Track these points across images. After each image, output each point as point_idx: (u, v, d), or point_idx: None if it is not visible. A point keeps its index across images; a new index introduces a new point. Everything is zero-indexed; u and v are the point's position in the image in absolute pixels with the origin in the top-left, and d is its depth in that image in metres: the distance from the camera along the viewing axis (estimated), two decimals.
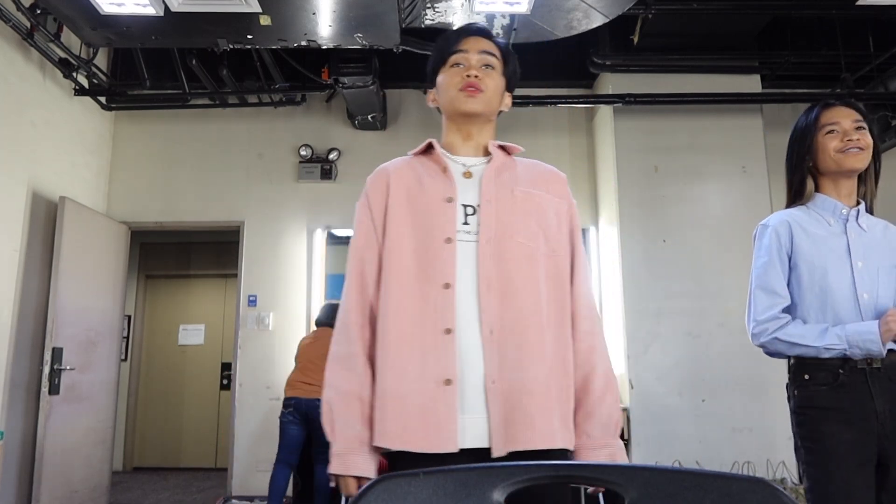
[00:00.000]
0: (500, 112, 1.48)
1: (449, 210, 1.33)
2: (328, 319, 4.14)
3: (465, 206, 1.34)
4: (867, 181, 1.80)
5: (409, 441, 1.22)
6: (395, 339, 1.28)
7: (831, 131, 1.76)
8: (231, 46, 4.11)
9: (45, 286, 4.33)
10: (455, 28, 1.47)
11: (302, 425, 3.91)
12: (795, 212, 1.80)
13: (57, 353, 4.24)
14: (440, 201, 1.34)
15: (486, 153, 1.42)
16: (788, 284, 1.74)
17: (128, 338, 6.89)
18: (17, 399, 4.15)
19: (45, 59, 4.38)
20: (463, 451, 1.22)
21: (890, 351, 1.62)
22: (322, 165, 5.20)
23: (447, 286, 1.28)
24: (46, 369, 4.17)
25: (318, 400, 3.67)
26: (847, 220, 1.75)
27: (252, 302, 5.05)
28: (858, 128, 1.74)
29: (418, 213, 1.34)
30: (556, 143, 5.33)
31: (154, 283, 7.28)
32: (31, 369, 4.27)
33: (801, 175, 1.81)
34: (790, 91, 4.99)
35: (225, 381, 6.95)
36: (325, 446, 4.15)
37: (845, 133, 1.74)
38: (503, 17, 3.91)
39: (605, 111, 4.98)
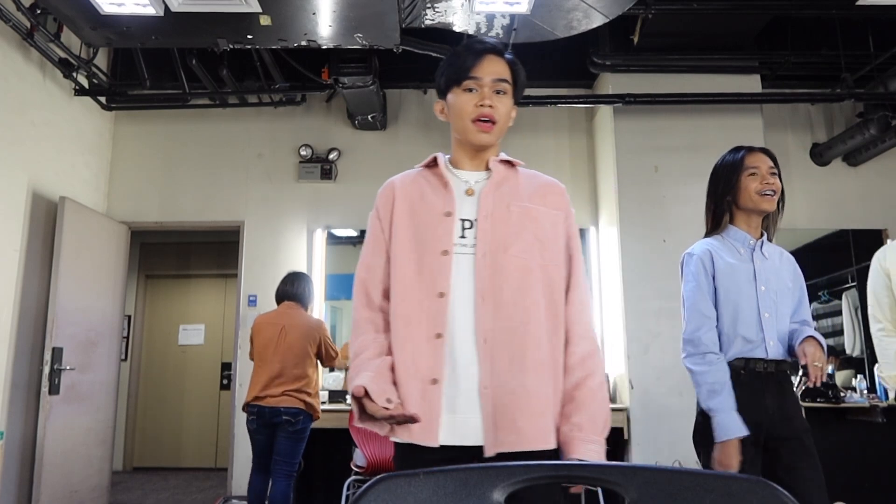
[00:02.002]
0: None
1: (447, 224, 1.41)
2: (295, 291, 3.84)
3: (463, 220, 1.42)
4: (772, 218, 2.14)
5: (396, 432, 1.34)
6: (395, 342, 1.40)
7: (753, 173, 2.06)
8: (231, 46, 4.11)
9: (45, 286, 4.33)
10: (467, 42, 1.50)
11: (266, 433, 3.67)
12: (714, 241, 2.12)
13: (57, 353, 4.24)
14: (439, 215, 1.42)
15: (489, 167, 1.49)
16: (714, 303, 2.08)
17: (128, 338, 6.89)
18: (17, 399, 4.15)
19: (45, 59, 4.38)
20: (456, 447, 1.32)
21: (781, 361, 1.99)
22: (322, 165, 5.20)
23: (441, 295, 1.37)
24: (46, 369, 4.17)
25: (284, 409, 3.59)
26: (753, 249, 2.08)
27: (252, 302, 5.05)
28: (773, 173, 2.06)
29: (419, 226, 1.43)
30: (556, 143, 5.33)
31: (154, 283, 7.28)
32: (31, 369, 4.27)
33: (722, 208, 2.12)
34: (790, 91, 4.99)
35: (225, 381, 6.95)
36: (285, 458, 4.15)
37: (763, 177, 2.04)
38: (503, 17, 3.91)
39: (605, 111, 4.98)
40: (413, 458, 1.34)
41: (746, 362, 1.98)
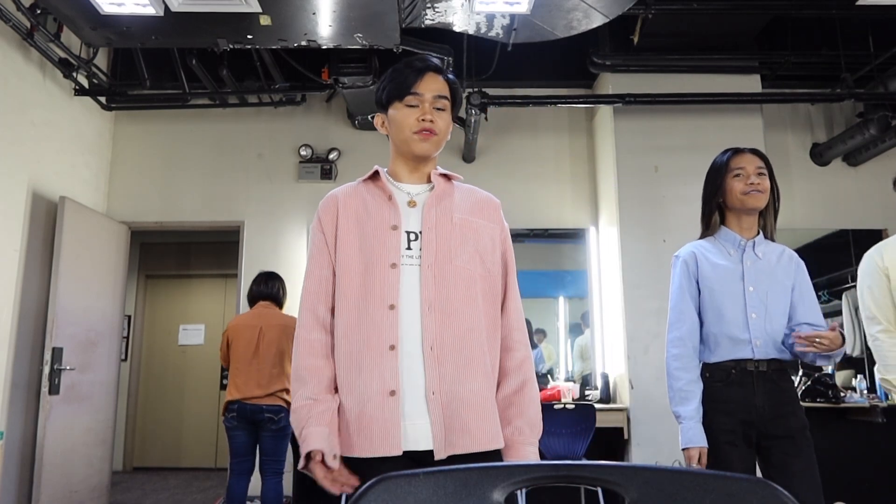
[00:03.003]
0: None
1: (394, 237, 1.45)
2: (269, 290, 3.87)
3: (408, 232, 1.46)
4: (766, 217, 2.15)
5: (356, 448, 1.37)
6: (345, 358, 1.42)
7: (738, 174, 2.09)
8: (231, 46, 4.11)
9: (45, 286, 4.33)
10: (408, 60, 1.55)
11: (247, 429, 3.65)
12: (704, 243, 2.16)
13: (57, 353, 4.24)
14: (386, 228, 1.46)
15: (429, 180, 1.54)
16: (699, 305, 2.11)
17: (128, 338, 6.89)
18: (17, 399, 4.15)
19: (45, 59, 4.38)
20: (406, 453, 1.36)
21: (773, 359, 2.00)
22: (322, 165, 5.20)
23: (392, 307, 1.41)
24: (46, 369, 4.17)
25: (266, 406, 3.58)
26: (744, 250, 2.10)
27: None
28: (760, 173, 2.08)
29: (365, 239, 1.46)
30: (556, 143, 5.33)
31: (154, 283, 7.28)
32: (31, 369, 4.27)
33: (711, 210, 2.17)
34: (790, 91, 4.99)
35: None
36: (272, 456, 4.12)
37: (748, 177, 2.07)
38: (503, 17, 3.91)
39: (605, 111, 4.98)
40: (370, 471, 1.34)
41: (737, 363, 2.01)
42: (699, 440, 1.95)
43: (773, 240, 2.16)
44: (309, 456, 1.35)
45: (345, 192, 1.54)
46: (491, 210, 1.55)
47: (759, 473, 2.03)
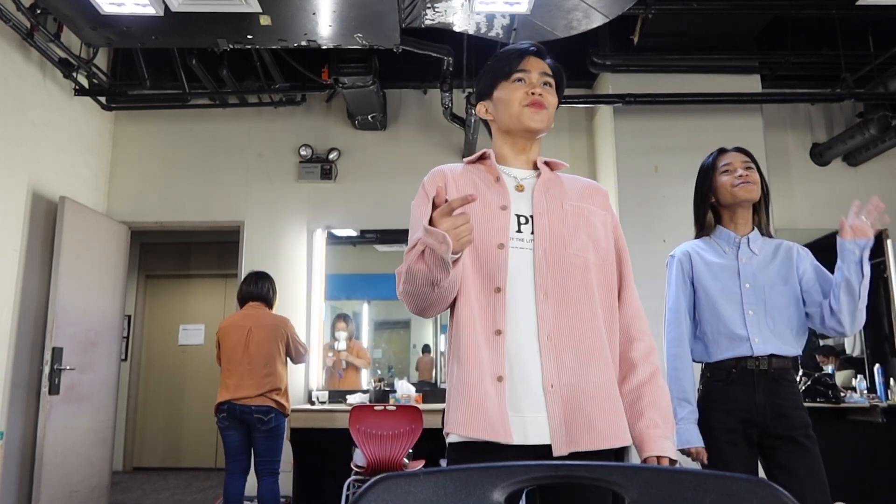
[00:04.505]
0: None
1: (503, 217, 1.38)
2: (259, 290, 3.85)
3: (518, 215, 1.40)
4: (760, 212, 2.15)
5: (475, 428, 1.28)
6: (460, 337, 1.34)
7: (725, 171, 2.12)
8: (231, 46, 4.11)
9: (45, 286, 4.33)
10: (508, 48, 1.52)
11: (239, 429, 3.65)
12: (699, 243, 2.17)
13: (57, 353, 4.24)
14: (495, 208, 1.39)
15: (535, 167, 1.49)
16: (694, 306, 2.11)
17: (128, 338, 6.89)
18: (17, 399, 4.15)
19: (45, 59, 4.38)
20: (523, 446, 1.28)
21: (773, 356, 1.98)
22: (322, 165, 5.20)
23: (498, 290, 1.34)
24: (46, 369, 4.17)
25: (255, 407, 3.58)
26: (739, 246, 2.10)
27: None
28: (747, 167, 2.10)
29: (474, 219, 1.31)
30: (556, 143, 5.33)
31: (154, 283, 7.28)
32: (31, 369, 4.27)
33: (704, 210, 2.17)
34: (790, 91, 4.99)
35: None
36: (266, 457, 4.11)
37: (736, 170, 2.10)
38: (503, 17, 3.91)
39: (605, 111, 4.98)
40: (480, 457, 1.28)
41: (737, 361, 1.99)
42: (696, 440, 1.94)
43: (769, 235, 2.15)
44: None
45: (453, 168, 1.48)
46: (600, 197, 1.51)
47: (761, 473, 2.02)
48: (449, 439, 1.34)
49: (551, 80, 1.49)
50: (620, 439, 1.31)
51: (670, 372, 2.05)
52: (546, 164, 1.50)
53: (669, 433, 1.36)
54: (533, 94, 1.44)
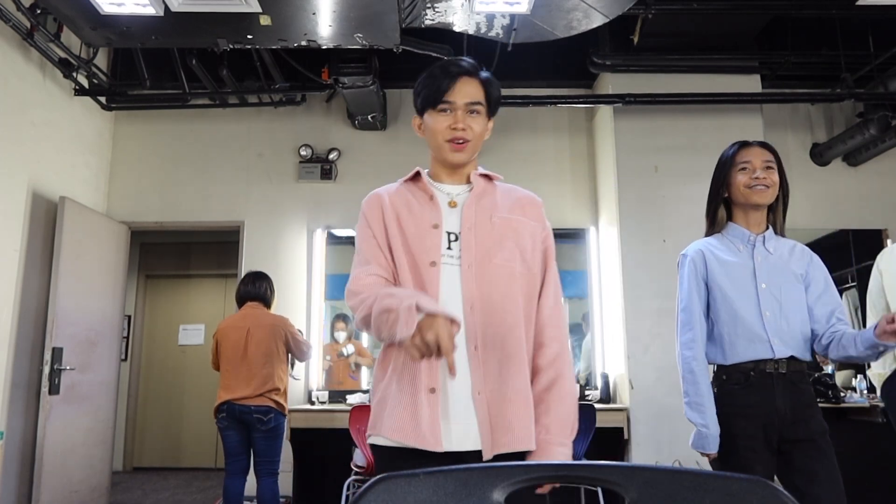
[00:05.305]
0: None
1: (435, 236, 1.45)
2: (257, 290, 3.85)
3: (448, 232, 1.47)
4: (776, 212, 2.07)
5: (409, 436, 1.36)
6: (393, 351, 1.43)
7: (743, 168, 2.02)
8: (231, 46, 4.11)
9: (45, 286, 4.33)
10: (442, 63, 1.53)
11: (238, 429, 3.64)
12: (711, 240, 2.08)
13: (57, 353, 4.24)
14: (427, 227, 1.46)
15: (469, 181, 1.54)
16: (708, 306, 2.02)
17: (128, 338, 6.89)
18: (17, 399, 4.15)
19: (45, 59, 4.38)
20: (449, 453, 1.35)
21: (792, 358, 1.92)
22: (322, 165, 5.20)
23: None
24: (46, 369, 4.17)
25: (255, 407, 3.59)
26: (754, 245, 2.02)
27: None
28: (767, 167, 2.00)
29: (407, 237, 1.46)
30: (556, 143, 5.33)
31: (154, 283, 7.28)
32: (31, 369, 4.27)
33: (717, 205, 2.09)
34: (790, 91, 4.99)
35: None
36: (265, 457, 4.10)
37: (754, 170, 2.00)
38: (503, 17, 3.91)
39: (605, 111, 4.98)
40: (409, 463, 1.35)
41: (756, 364, 1.92)
42: (713, 447, 1.90)
43: (783, 235, 2.08)
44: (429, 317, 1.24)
45: (388, 190, 1.55)
46: (532, 208, 1.55)
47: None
48: (373, 441, 1.42)
49: (479, 107, 1.49)
50: (531, 442, 1.39)
51: (685, 375, 1.97)
52: (483, 175, 1.54)
53: (562, 438, 1.41)
54: (455, 128, 1.46)
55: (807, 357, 1.95)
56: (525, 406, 1.40)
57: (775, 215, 2.07)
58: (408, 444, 1.35)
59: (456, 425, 1.37)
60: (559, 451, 1.40)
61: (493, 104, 1.53)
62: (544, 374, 1.45)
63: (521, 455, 1.38)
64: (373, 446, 1.44)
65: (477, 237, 1.45)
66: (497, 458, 1.35)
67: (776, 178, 2.01)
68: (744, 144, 2.07)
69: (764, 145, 2.05)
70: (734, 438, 1.90)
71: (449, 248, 1.45)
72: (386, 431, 1.38)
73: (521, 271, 1.46)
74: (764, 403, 1.89)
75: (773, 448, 1.90)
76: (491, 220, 1.48)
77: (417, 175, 1.55)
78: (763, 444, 1.88)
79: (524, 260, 1.47)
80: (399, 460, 1.37)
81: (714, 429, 1.91)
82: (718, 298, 1.99)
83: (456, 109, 1.47)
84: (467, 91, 1.48)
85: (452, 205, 1.50)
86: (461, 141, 1.47)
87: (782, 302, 1.95)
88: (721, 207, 2.09)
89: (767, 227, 2.05)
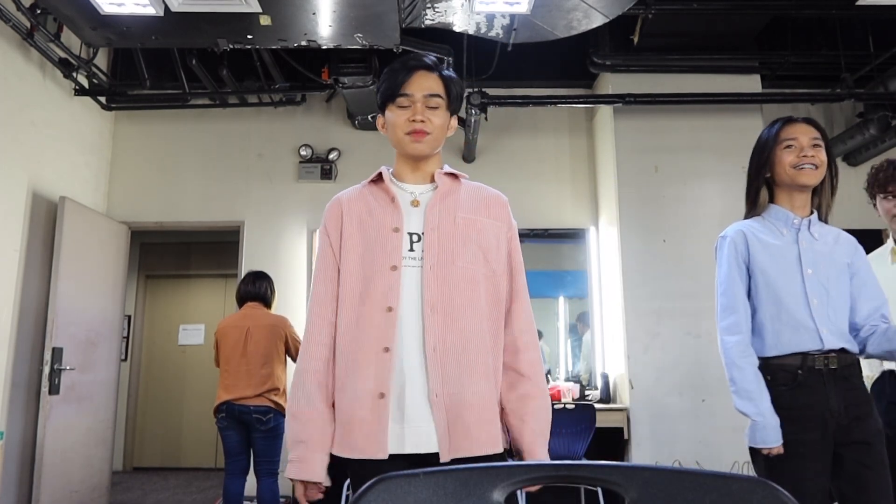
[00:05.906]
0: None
1: (395, 239, 1.44)
2: (257, 290, 3.86)
3: (410, 234, 1.46)
4: (822, 194, 1.91)
5: (346, 448, 1.39)
6: (342, 359, 1.43)
7: (789, 146, 1.86)
8: (231, 46, 4.11)
9: (45, 286, 4.33)
10: (401, 59, 1.54)
11: (238, 429, 3.66)
12: (751, 222, 1.92)
13: (57, 353, 4.24)
14: (388, 231, 1.45)
15: (433, 179, 1.53)
16: (749, 291, 1.86)
17: (128, 338, 6.89)
18: (17, 399, 4.15)
19: (45, 59, 4.38)
20: (403, 456, 1.36)
21: (842, 350, 1.76)
22: (322, 165, 5.20)
23: (389, 309, 1.40)
24: (46, 369, 4.17)
25: (254, 407, 3.58)
26: (799, 229, 1.86)
27: None
28: (815, 145, 1.85)
29: (368, 241, 1.46)
30: (556, 143, 5.33)
31: (154, 283, 7.28)
32: (31, 369, 4.27)
33: (758, 185, 1.93)
34: (790, 91, 4.99)
35: None
36: (265, 457, 4.13)
37: (802, 149, 1.85)
38: (503, 17, 3.91)
39: (605, 111, 4.98)
40: (363, 472, 1.37)
41: (803, 359, 1.75)
42: (774, 439, 1.71)
43: (826, 222, 1.92)
44: (302, 481, 1.44)
45: (349, 195, 1.55)
46: (497, 208, 1.53)
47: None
48: (336, 453, 1.46)
49: (438, 101, 1.48)
50: (494, 447, 1.40)
51: (729, 364, 1.80)
52: (448, 174, 1.53)
53: (544, 440, 1.45)
54: (413, 120, 1.46)
55: (856, 350, 1.80)
56: (487, 410, 1.40)
57: (821, 199, 1.91)
58: (354, 456, 1.38)
59: (413, 428, 1.36)
60: (545, 452, 1.45)
61: (453, 99, 1.52)
62: (527, 380, 1.47)
63: (481, 460, 1.37)
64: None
65: (440, 238, 1.44)
66: (455, 461, 1.35)
67: (824, 157, 1.86)
68: (789, 120, 1.91)
69: (810, 121, 1.91)
70: (786, 446, 1.72)
71: (411, 249, 1.44)
72: (335, 447, 1.42)
73: (486, 273, 1.46)
74: (816, 406, 1.72)
75: (830, 452, 1.72)
76: (454, 221, 1.46)
77: (380, 176, 1.54)
78: (817, 452, 1.71)
79: (487, 261, 1.47)
80: (362, 470, 1.38)
81: (772, 418, 1.72)
82: (761, 283, 1.83)
83: (415, 102, 1.47)
84: (425, 84, 1.48)
85: (415, 204, 1.49)
86: (420, 132, 1.46)
87: (830, 291, 1.80)
88: (763, 188, 1.92)
89: (812, 212, 1.90)
